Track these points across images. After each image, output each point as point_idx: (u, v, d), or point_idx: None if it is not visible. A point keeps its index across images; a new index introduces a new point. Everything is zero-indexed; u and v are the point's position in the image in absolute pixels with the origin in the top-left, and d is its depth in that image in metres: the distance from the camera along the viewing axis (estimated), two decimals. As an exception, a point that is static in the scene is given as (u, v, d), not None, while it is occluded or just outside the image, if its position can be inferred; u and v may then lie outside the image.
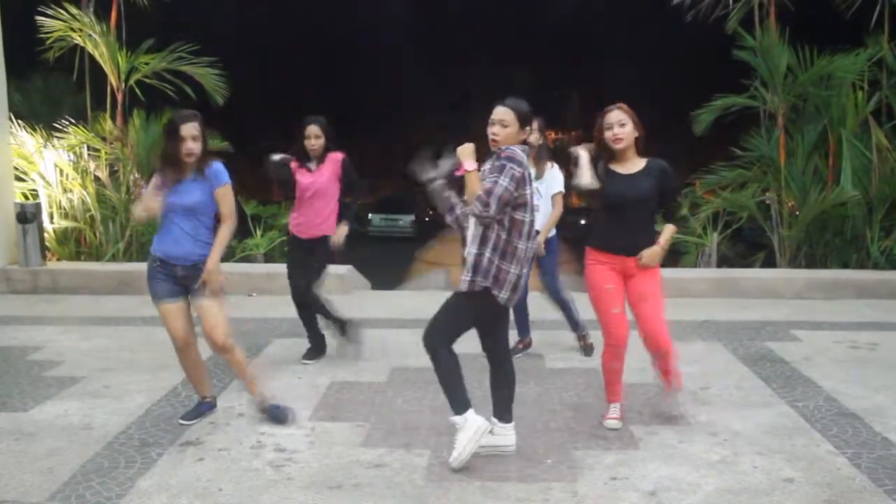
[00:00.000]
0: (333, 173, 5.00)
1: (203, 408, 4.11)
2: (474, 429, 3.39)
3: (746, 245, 9.67)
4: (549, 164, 5.10)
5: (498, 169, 3.28)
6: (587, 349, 5.27)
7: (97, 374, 4.87)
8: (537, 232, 4.83)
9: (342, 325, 5.15)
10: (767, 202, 8.92)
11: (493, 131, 3.38)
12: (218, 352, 3.96)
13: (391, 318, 5.90)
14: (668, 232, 3.91)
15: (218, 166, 3.85)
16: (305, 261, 5.03)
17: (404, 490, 3.24)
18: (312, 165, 4.99)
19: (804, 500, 3.14)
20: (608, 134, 3.77)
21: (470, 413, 3.42)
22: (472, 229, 3.42)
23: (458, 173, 3.39)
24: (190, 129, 3.74)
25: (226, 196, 3.86)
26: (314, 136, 4.95)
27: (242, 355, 4.02)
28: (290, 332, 5.90)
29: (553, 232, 5.16)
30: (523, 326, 5.31)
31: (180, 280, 3.87)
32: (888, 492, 3.19)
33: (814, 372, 4.89)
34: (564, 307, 5.29)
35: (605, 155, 3.81)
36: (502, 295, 3.40)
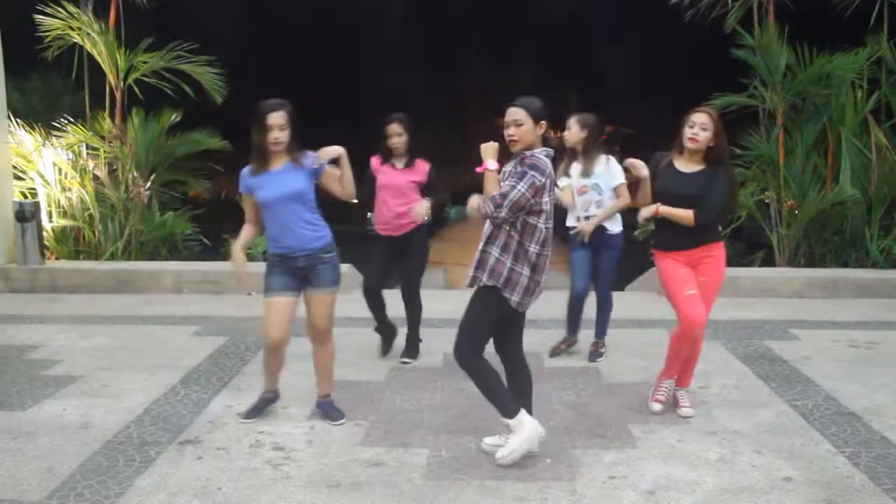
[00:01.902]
0: (419, 179, 5.00)
1: (264, 403, 4.17)
2: (528, 430, 3.42)
3: (745, 244, 9.66)
4: (603, 157, 4.96)
5: (519, 175, 3.27)
6: (595, 354, 5.19)
7: (95, 372, 4.87)
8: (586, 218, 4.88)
9: (390, 330, 5.30)
10: (766, 201, 8.91)
11: (510, 132, 3.36)
12: (315, 338, 4.02)
13: (390, 317, 5.87)
14: (681, 211, 3.88)
15: (313, 155, 3.85)
16: (388, 259, 5.10)
17: (402, 489, 3.23)
18: (398, 163, 4.99)
19: (803, 499, 3.14)
20: (687, 131, 3.88)
21: (523, 414, 3.44)
22: (485, 227, 3.44)
23: (478, 170, 3.40)
24: (277, 119, 3.74)
25: (332, 175, 3.90)
26: (396, 133, 4.94)
27: (333, 350, 4.10)
28: (288, 331, 5.90)
29: (619, 229, 5.02)
30: (573, 325, 5.27)
31: (300, 272, 3.87)
32: (887, 490, 3.19)
33: (813, 371, 4.89)
34: (604, 310, 5.19)
35: (675, 149, 3.97)
36: (514, 298, 3.37)
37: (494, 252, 3.36)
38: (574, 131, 4.97)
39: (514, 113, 3.35)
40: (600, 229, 4.98)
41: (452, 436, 3.80)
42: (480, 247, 3.42)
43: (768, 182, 8.85)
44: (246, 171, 3.88)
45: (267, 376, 4.15)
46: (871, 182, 8.39)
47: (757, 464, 3.48)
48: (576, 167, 5.02)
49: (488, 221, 3.38)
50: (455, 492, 3.21)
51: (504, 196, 3.24)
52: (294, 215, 3.80)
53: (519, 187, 3.24)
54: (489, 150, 3.41)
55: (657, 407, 4.16)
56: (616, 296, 5.32)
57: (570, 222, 5.13)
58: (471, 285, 3.44)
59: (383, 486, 3.25)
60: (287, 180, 3.78)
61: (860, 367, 4.98)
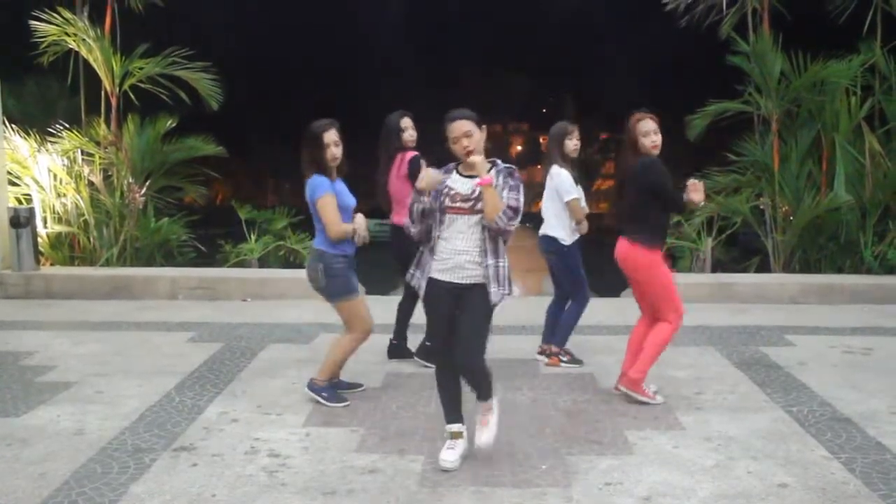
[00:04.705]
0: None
1: (345, 385, 4.54)
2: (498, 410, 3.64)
3: (741, 250, 9.69)
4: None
5: (516, 188, 3.42)
6: (575, 360, 5.20)
7: (90, 379, 4.85)
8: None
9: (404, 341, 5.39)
10: (762, 207, 8.94)
11: (465, 144, 3.38)
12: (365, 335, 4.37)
13: (385, 324, 5.89)
14: None
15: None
16: None
17: (398, 496, 3.23)
18: None
19: (798, 505, 3.14)
20: (646, 140, 4.11)
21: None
22: (475, 241, 3.44)
23: (480, 184, 3.34)
24: (332, 136, 4.09)
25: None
26: (410, 126, 5.03)
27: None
28: (283, 338, 5.90)
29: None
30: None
31: None
32: (882, 496, 3.19)
33: (808, 377, 4.90)
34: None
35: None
36: (509, 292, 3.51)
37: (501, 262, 3.46)
38: (578, 143, 5.09)
39: (464, 125, 3.39)
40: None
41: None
42: (503, 262, 3.45)
43: (763, 188, 8.89)
44: (323, 178, 4.14)
45: (342, 365, 4.45)
46: (866, 188, 8.44)
47: (752, 470, 3.48)
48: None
49: (482, 236, 3.43)
50: (451, 499, 3.20)
51: (516, 211, 3.38)
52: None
53: (521, 199, 3.42)
54: (485, 165, 3.39)
55: (660, 398, 4.39)
56: (610, 302, 5.35)
57: (574, 235, 5.07)
58: (497, 303, 3.46)
59: (378, 494, 3.24)
60: (349, 192, 4.26)
61: (855, 373, 4.99)
